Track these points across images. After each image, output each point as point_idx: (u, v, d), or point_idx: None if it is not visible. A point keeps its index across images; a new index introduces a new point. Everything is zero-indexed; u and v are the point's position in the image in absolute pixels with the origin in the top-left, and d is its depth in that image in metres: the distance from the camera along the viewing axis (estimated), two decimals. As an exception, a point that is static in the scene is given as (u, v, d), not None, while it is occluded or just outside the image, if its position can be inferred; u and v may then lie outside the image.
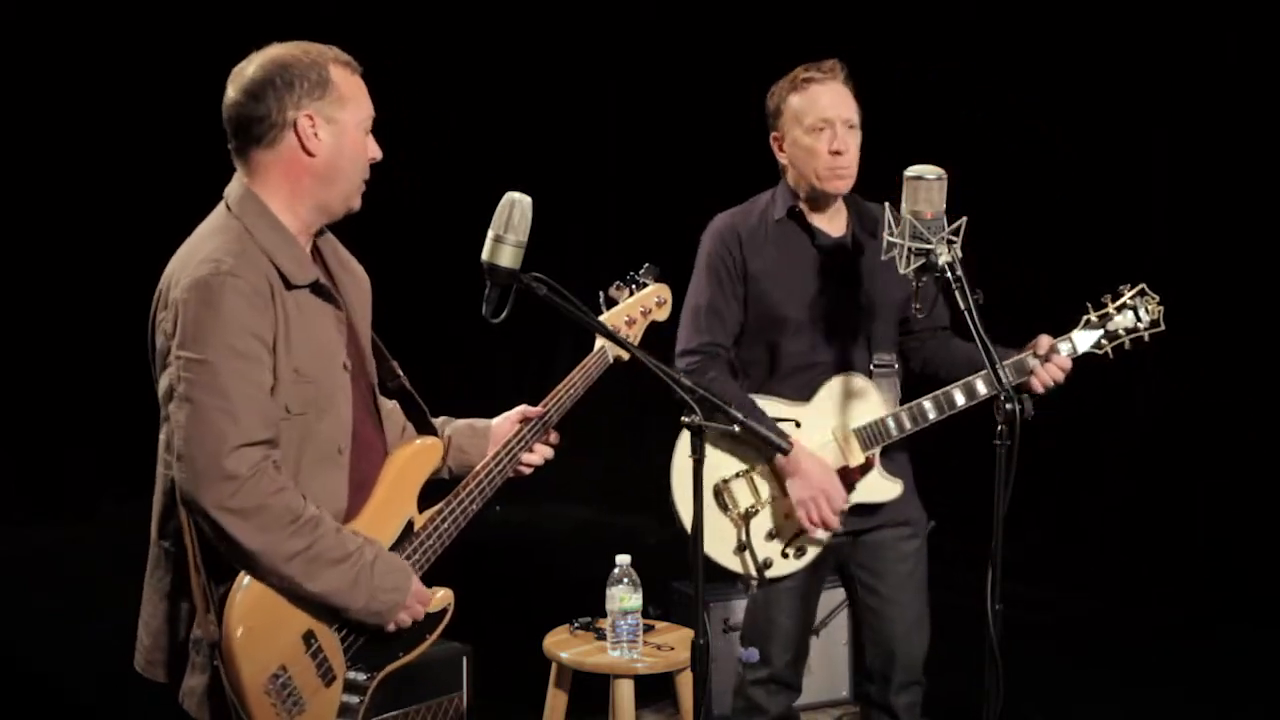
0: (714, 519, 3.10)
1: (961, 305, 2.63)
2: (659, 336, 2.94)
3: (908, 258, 2.73)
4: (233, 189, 2.32)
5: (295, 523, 2.16)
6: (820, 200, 3.19)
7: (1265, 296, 5.39)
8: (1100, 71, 5.71)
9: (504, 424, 2.63)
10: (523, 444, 2.58)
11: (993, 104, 5.74)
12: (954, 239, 2.71)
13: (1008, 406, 2.49)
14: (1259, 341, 5.39)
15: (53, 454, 6.69)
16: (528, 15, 6.93)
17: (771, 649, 3.23)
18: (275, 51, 2.30)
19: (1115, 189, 5.76)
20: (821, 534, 3.11)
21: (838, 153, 3.09)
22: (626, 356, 2.65)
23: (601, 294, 2.81)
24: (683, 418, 2.43)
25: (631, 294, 2.82)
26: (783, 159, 3.20)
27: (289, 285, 2.25)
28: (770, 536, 3.14)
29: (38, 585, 5.63)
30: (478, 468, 2.53)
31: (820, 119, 3.10)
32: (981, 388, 3.08)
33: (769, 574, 3.13)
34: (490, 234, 2.36)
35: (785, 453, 2.83)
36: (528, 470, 2.64)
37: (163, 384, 2.20)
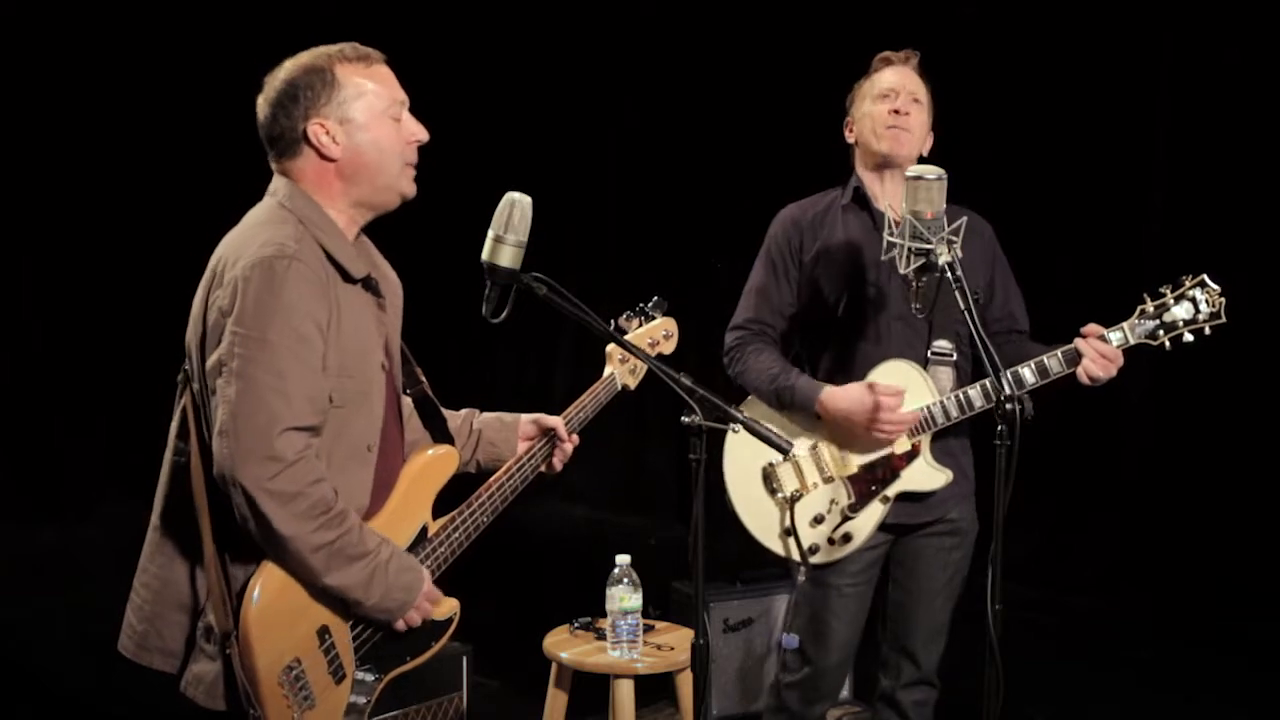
0: (762, 502, 3.14)
1: (961, 305, 2.63)
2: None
3: (908, 258, 2.73)
4: (279, 186, 2.32)
5: (326, 515, 2.16)
6: (884, 170, 3.20)
7: (1265, 295, 5.39)
8: (1099, 71, 5.72)
9: (530, 425, 2.69)
10: (534, 462, 2.61)
11: (992, 104, 5.75)
12: (954, 239, 2.71)
13: (1007, 406, 2.48)
14: (1260, 340, 5.39)
15: (53, 454, 6.69)
16: (529, 16, 6.93)
17: (816, 651, 3.21)
18: (283, 68, 2.31)
19: (1115, 188, 5.76)
20: (903, 443, 3.10)
21: (897, 111, 3.15)
22: (633, 386, 2.80)
23: (612, 322, 2.85)
24: (682, 418, 2.43)
25: (640, 325, 2.88)
26: (850, 137, 3.26)
27: (343, 278, 2.27)
28: (816, 522, 3.14)
29: (38, 585, 5.63)
30: (490, 481, 2.54)
31: (887, 88, 3.19)
32: (1029, 376, 3.04)
33: (815, 560, 3.14)
34: (490, 234, 2.36)
35: (785, 453, 2.83)
36: (559, 467, 2.71)
37: (212, 359, 2.19)
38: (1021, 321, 3.28)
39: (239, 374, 2.13)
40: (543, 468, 2.69)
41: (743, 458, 3.16)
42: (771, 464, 3.15)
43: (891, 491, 3.13)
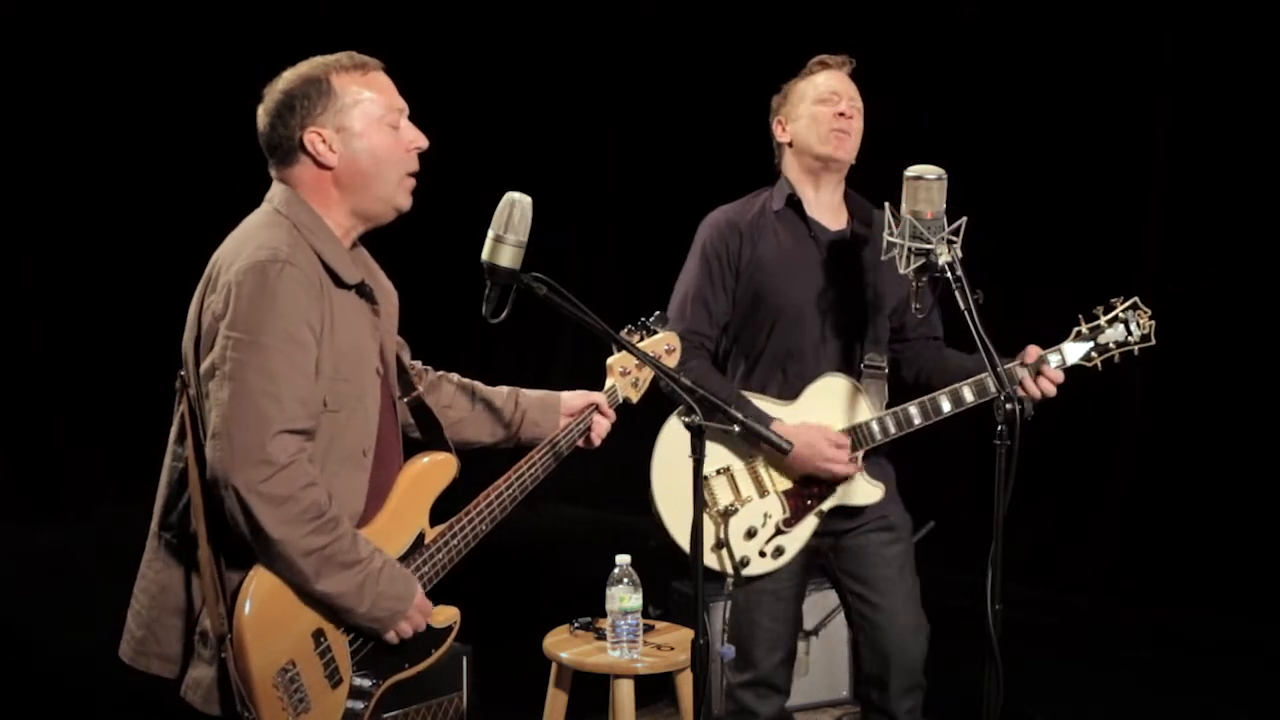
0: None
1: (962, 305, 2.63)
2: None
3: (908, 258, 2.73)
4: (277, 192, 2.34)
5: (318, 519, 2.17)
6: (820, 178, 3.19)
7: (1264, 295, 5.39)
8: (1099, 71, 5.72)
9: (575, 398, 2.72)
10: (534, 471, 2.60)
11: (992, 104, 5.74)
12: (954, 239, 2.71)
13: (1007, 407, 2.48)
14: (1259, 339, 5.39)
15: (53, 454, 6.69)
16: (529, 17, 6.93)
17: (756, 651, 3.21)
18: (281, 78, 2.33)
19: (1115, 188, 5.76)
20: (853, 474, 3.11)
21: (843, 115, 3.12)
22: (635, 399, 2.81)
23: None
24: (683, 418, 2.43)
25: (642, 339, 2.87)
26: (784, 138, 3.22)
27: (337, 284, 2.28)
28: (749, 535, 3.13)
29: (37, 585, 5.63)
30: (490, 489, 2.53)
31: (830, 91, 3.16)
32: (969, 395, 3.07)
33: (746, 572, 3.13)
34: (490, 234, 2.36)
35: (785, 453, 2.83)
36: (597, 442, 2.75)
37: (205, 363, 2.20)
38: (938, 328, 3.29)
39: (231, 377, 2.14)
40: (583, 440, 2.71)
41: (669, 473, 3.11)
42: (704, 478, 3.12)
43: (827, 506, 3.14)
